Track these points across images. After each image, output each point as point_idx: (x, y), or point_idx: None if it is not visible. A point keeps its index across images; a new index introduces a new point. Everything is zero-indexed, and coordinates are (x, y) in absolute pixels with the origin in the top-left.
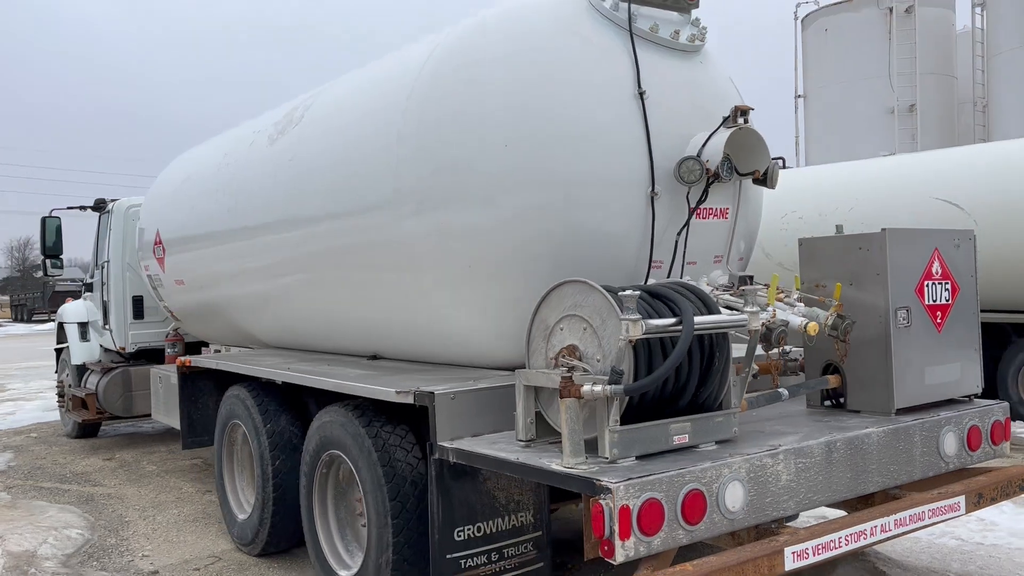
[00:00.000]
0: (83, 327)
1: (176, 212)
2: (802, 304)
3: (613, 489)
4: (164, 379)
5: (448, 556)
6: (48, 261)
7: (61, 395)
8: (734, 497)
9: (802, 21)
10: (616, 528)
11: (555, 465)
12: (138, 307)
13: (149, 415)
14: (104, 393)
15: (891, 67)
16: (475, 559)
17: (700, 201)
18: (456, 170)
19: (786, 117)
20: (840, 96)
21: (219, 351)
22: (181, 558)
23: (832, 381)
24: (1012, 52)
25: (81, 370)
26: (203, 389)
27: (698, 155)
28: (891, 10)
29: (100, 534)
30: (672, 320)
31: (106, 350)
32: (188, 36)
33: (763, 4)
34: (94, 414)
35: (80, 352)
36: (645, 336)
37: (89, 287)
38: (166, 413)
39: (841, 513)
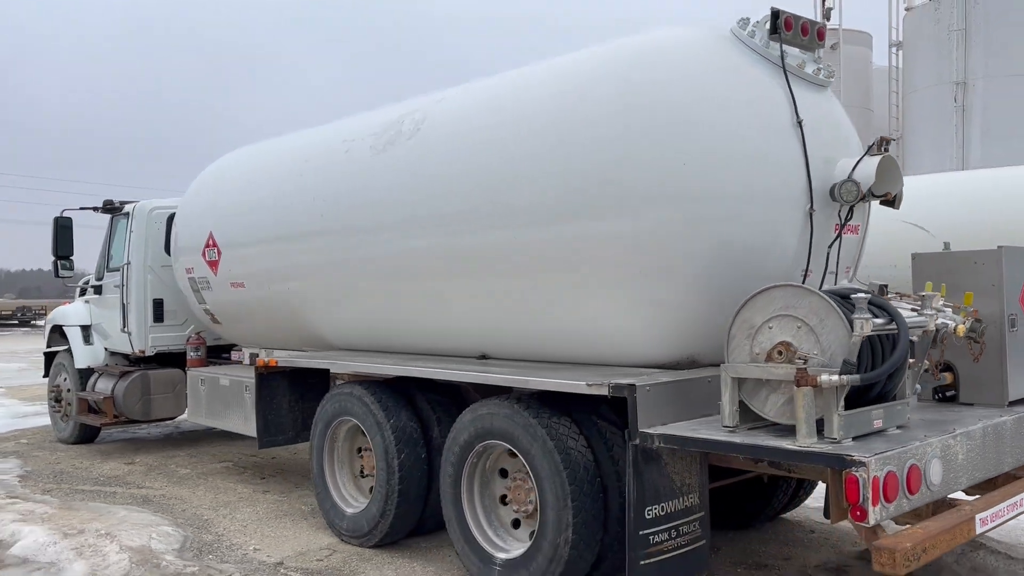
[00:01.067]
0: (86, 330)
1: (241, 216)
2: (949, 310)
3: (867, 463)
4: (209, 381)
5: (640, 533)
6: (59, 263)
7: (58, 400)
8: (935, 472)
9: None
10: (869, 495)
11: (792, 445)
12: (158, 310)
13: (167, 419)
14: (124, 397)
15: None
16: (659, 536)
17: (848, 218)
18: (632, 183)
19: None
20: None
21: (256, 354)
22: (294, 550)
23: (948, 378)
24: (927, 90)
25: (85, 374)
26: (277, 390)
27: (850, 178)
28: None
29: (192, 531)
30: (884, 320)
31: (112, 353)
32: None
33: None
34: (111, 418)
35: (84, 356)
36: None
37: (97, 289)
38: (211, 415)
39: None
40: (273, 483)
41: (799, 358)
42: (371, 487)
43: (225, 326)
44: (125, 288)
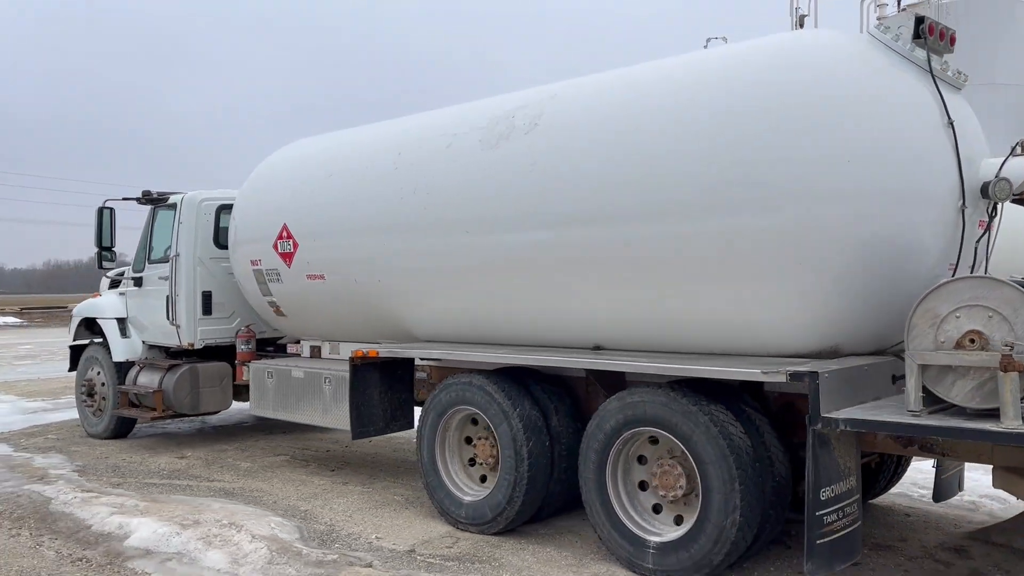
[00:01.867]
0: (122, 323)
1: (322, 208)
2: None
3: None
4: (278, 374)
5: (817, 513)
6: (103, 254)
7: (90, 394)
8: None
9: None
10: None
11: (997, 427)
12: (207, 302)
13: (212, 413)
14: (174, 390)
15: None
16: (830, 516)
17: (994, 215)
18: (791, 181)
19: None
20: None
21: (318, 347)
22: (416, 538)
23: None
24: None
25: (122, 368)
26: (369, 381)
27: (1001, 176)
28: None
29: (300, 522)
30: None
31: (150, 346)
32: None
33: (667, 33)
34: (161, 412)
35: (122, 349)
36: None
37: (137, 281)
38: (281, 408)
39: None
40: (346, 475)
41: (1005, 345)
42: (482, 475)
43: (290, 318)
44: (174, 280)
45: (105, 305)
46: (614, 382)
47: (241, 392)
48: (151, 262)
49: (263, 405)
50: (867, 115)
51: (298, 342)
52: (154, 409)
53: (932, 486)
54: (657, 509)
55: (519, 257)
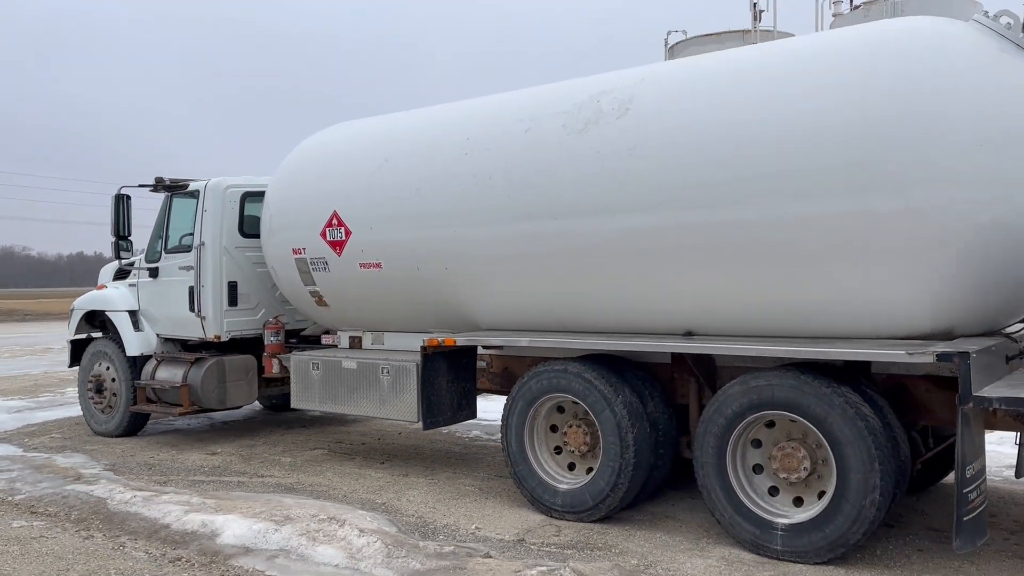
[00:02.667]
0: (134, 315)
1: (381, 194)
2: None
3: None
4: (326, 365)
5: (964, 491)
6: (120, 243)
7: (98, 391)
8: None
9: (671, 49)
10: None
11: None
12: (233, 293)
13: (237, 407)
14: (202, 385)
15: None
16: (972, 493)
17: None
18: (929, 163)
19: None
20: None
21: (358, 337)
22: (518, 527)
23: None
24: None
25: (135, 362)
26: (439, 371)
27: None
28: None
29: (387, 515)
30: None
31: (164, 340)
32: None
33: (633, 27)
34: (188, 407)
35: (136, 343)
36: None
37: (153, 272)
38: (330, 400)
39: None
40: (399, 467)
41: None
42: (570, 463)
43: (333, 309)
44: (200, 270)
45: (114, 297)
46: (707, 369)
47: (263, 385)
48: (168, 252)
49: (308, 397)
50: (995, 102)
51: (332, 333)
52: (175, 405)
53: (1015, 463)
54: (774, 491)
55: (613, 242)
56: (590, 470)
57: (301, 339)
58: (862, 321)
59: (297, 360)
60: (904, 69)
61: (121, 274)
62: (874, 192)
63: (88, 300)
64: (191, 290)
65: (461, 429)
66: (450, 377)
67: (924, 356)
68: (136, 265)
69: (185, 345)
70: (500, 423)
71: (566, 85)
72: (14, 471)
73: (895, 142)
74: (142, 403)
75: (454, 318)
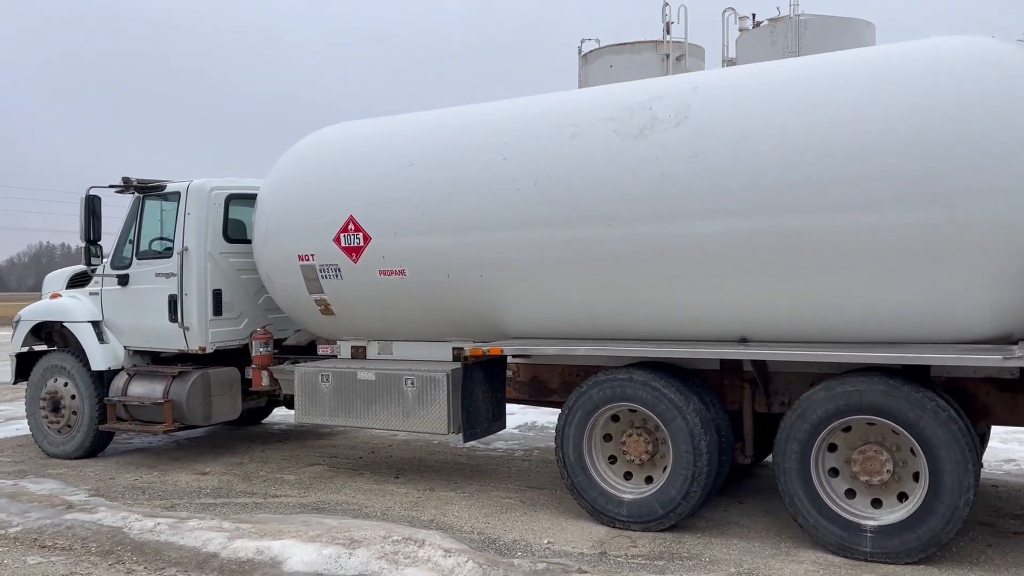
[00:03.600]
0: (97, 326)
1: (405, 200)
2: None
3: None
4: (337, 376)
5: None
6: (91, 248)
7: (55, 409)
8: None
9: (585, 56)
10: None
11: None
12: (218, 302)
13: (228, 423)
14: (187, 400)
15: None
16: None
17: None
18: (983, 174)
19: None
20: None
21: (361, 347)
22: (590, 539)
23: None
24: None
25: (100, 376)
26: (476, 381)
27: None
28: (667, 56)
29: (451, 533)
30: None
31: (132, 352)
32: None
33: (546, 37)
34: (171, 424)
35: (102, 356)
36: None
37: (122, 279)
38: (342, 413)
39: None
40: (419, 481)
41: None
42: (626, 472)
43: (339, 317)
44: (183, 278)
45: (73, 307)
46: (759, 375)
47: (247, 399)
48: (140, 257)
49: (316, 411)
50: None
51: (329, 343)
52: (153, 422)
53: None
54: (850, 494)
55: (672, 247)
56: (648, 479)
57: (285, 349)
58: (924, 326)
59: (303, 372)
60: (976, 85)
61: (77, 281)
62: (937, 202)
63: (39, 310)
64: (171, 299)
65: (453, 439)
66: (485, 387)
67: (1021, 360)
68: (98, 272)
69: (156, 358)
70: (554, 434)
71: (609, 90)
72: None
73: (956, 154)
74: (112, 421)
75: (479, 326)
